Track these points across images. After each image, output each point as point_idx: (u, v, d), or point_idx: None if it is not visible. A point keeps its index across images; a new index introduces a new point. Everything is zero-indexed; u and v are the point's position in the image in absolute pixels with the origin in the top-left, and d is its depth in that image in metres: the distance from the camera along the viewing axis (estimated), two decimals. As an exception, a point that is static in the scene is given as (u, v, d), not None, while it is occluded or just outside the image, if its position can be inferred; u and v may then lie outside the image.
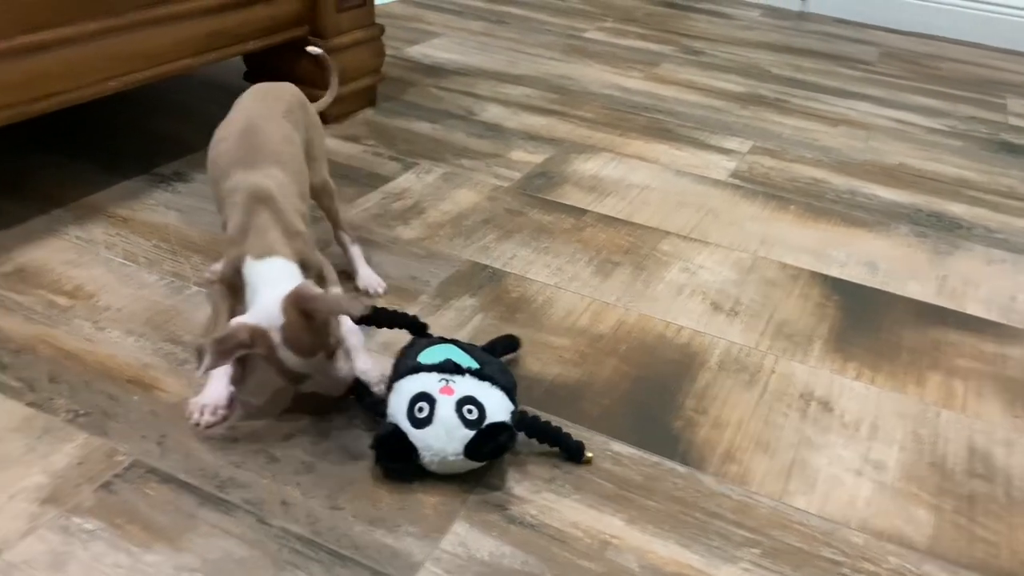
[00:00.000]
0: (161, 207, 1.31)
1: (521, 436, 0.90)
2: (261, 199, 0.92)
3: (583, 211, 1.43)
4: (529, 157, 1.62)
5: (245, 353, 0.85)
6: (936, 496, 0.90)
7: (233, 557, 0.76)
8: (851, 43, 2.66)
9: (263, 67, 1.66)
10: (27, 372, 0.94)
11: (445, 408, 0.83)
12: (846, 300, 1.24)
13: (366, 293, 1.14)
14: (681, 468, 0.91)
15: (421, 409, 0.84)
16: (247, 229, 0.91)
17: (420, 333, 0.99)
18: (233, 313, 0.93)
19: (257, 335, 0.83)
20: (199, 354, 0.82)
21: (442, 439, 0.83)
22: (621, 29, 2.58)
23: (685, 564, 0.80)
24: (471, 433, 0.83)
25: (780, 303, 1.22)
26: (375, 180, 1.47)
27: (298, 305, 0.83)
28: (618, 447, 0.93)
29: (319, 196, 1.12)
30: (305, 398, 0.95)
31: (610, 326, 1.13)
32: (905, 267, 1.35)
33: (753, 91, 2.12)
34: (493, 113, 1.82)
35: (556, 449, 0.90)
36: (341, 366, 0.88)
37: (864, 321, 1.20)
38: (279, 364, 0.85)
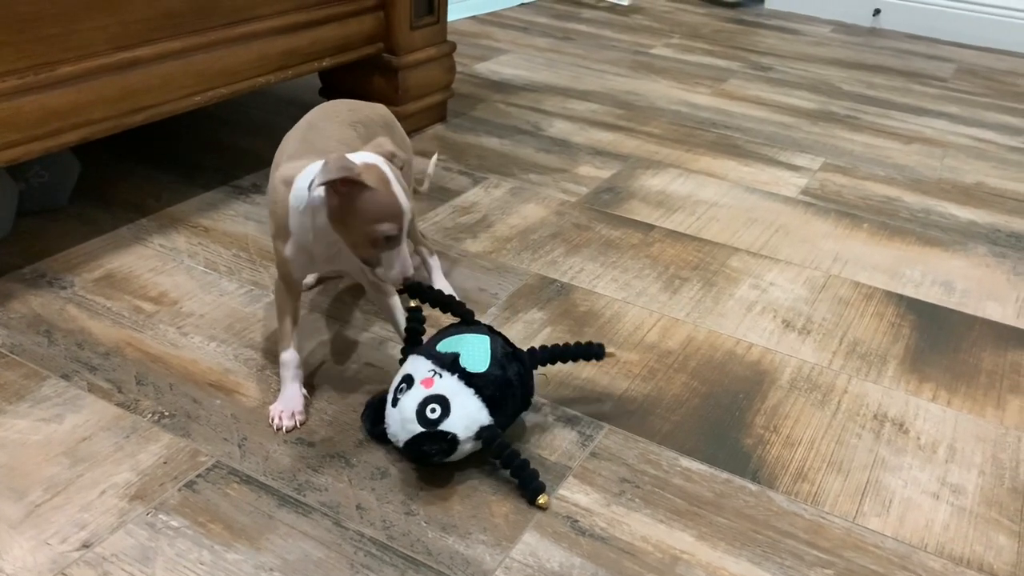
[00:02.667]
0: (240, 218, 1.35)
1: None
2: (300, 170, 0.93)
3: (651, 226, 1.43)
4: (596, 172, 1.63)
5: (347, 183, 0.83)
6: (1018, 523, 0.88)
7: (311, 558, 0.78)
8: (925, 59, 2.61)
9: (337, 83, 1.70)
10: (115, 374, 0.98)
11: (411, 398, 0.85)
12: (921, 320, 1.22)
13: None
14: (752, 486, 0.90)
15: (401, 389, 0.87)
16: (289, 185, 0.90)
17: (466, 320, 0.96)
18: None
19: (368, 169, 0.84)
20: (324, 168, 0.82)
21: (396, 424, 0.86)
22: (688, 45, 2.58)
23: (757, 582, 0.79)
24: (418, 430, 0.84)
25: (853, 322, 1.20)
26: (445, 194, 1.50)
27: (383, 153, 0.89)
28: (688, 463, 0.92)
29: None
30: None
31: (679, 342, 1.13)
32: (983, 287, 1.32)
33: (823, 107, 2.09)
34: (560, 128, 1.84)
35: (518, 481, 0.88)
36: (406, 248, 0.87)
37: (940, 342, 1.17)
38: (389, 207, 0.84)
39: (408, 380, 0.87)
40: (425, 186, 1.23)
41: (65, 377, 0.97)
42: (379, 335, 1.10)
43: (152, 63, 1.18)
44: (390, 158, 0.89)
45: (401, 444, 0.86)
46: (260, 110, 1.79)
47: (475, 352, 0.89)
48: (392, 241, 0.86)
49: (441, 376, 0.86)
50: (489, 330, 0.93)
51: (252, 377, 1.00)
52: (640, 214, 1.47)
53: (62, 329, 1.05)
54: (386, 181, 0.84)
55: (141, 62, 1.17)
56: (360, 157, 0.86)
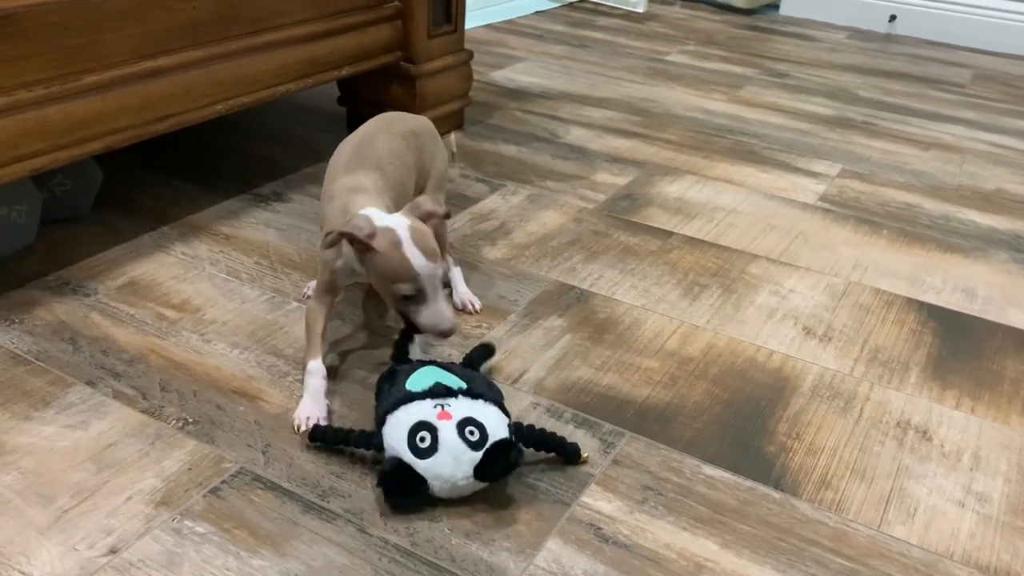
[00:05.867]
0: (261, 225, 1.36)
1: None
2: (357, 190, 0.98)
3: (669, 233, 1.43)
4: (613, 179, 1.63)
5: (358, 250, 0.91)
6: (1045, 531, 0.87)
7: (335, 564, 0.78)
8: (942, 65, 2.60)
9: (355, 92, 1.71)
10: (140, 381, 0.99)
11: (448, 433, 0.83)
12: (943, 327, 1.21)
13: (463, 309, 1.17)
14: (775, 493, 0.90)
15: (423, 439, 0.82)
16: (346, 209, 0.96)
17: (400, 358, 0.97)
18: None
19: (383, 232, 0.89)
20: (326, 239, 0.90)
21: (450, 465, 0.82)
22: (703, 52, 2.58)
23: (782, 590, 0.79)
24: (478, 455, 0.82)
25: (874, 329, 1.20)
26: (463, 201, 1.50)
27: (420, 213, 0.93)
28: (710, 471, 0.92)
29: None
30: (400, 412, 0.97)
31: (700, 349, 1.13)
32: (1005, 294, 1.31)
33: (840, 114, 2.09)
34: (577, 136, 1.84)
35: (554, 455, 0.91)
36: (443, 304, 0.91)
37: (963, 349, 1.16)
38: (400, 268, 0.89)
39: (425, 426, 0.83)
40: (455, 170, 1.27)
41: (90, 384, 0.98)
42: (400, 342, 1.10)
43: (175, 72, 1.19)
44: (426, 218, 0.94)
45: (463, 481, 0.83)
46: (279, 118, 1.80)
47: (443, 377, 0.89)
48: (414, 299, 0.90)
49: (450, 404, 0.86)
50: (421, 362, 0.94)
51: (275, 384, 1.01)
52: (658, 221, 1.47)
53: (86, 336, 1.06)
54: (397, 244, 0.89)
55: (164, 71, 1.18)
56: (384, 219, 0.91)
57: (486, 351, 1.03)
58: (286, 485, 0.86)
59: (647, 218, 1.48)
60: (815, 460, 0.95)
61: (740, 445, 0.96)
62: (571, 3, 3.09)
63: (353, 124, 1.76)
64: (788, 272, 1.33)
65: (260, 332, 1.10)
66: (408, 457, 0.82)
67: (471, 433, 0.83)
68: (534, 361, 1.08)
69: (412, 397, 0.86)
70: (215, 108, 1.27)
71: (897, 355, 1.14)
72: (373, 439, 0.87)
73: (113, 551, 0.77)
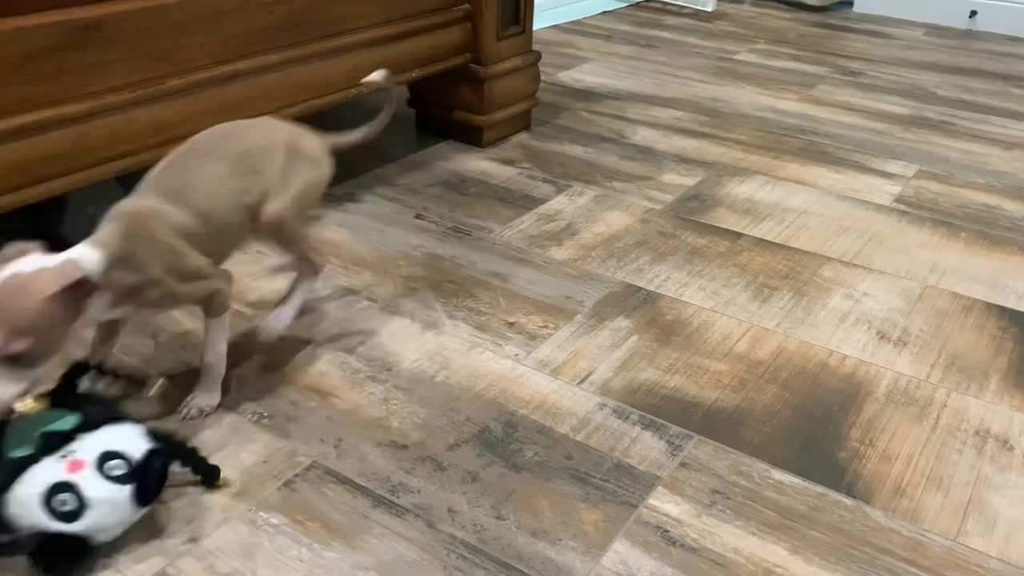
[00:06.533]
0: (334, 225, 1.39)
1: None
2: (122, 215, 0.84)
3: (738, 234, 1.42)
4: (681, 180, 1.62)
5: None
6: None
7: (405, 559, 0.79)
8: (1025, 61, 2.51)
9: (424, 94, 1.74)
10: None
11: (91, 484, 0.74)
12: (1026, 333, 1.17)
13: (261, 329, 1.06)
14: (847, 500, 0.88)
15: (64, 502, 0.72)
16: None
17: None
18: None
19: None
20: None
21: (110, 514, 0.75)
22: (773, 51, 2.54)
23: (854, 599, 0.77)
24: (131, 486, 0.75)
25: (952, 335, 1.16)
26: (529, 202, 1.51)
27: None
28: (780, 475, 0.91)
29: (268, 234, 0.98)
30: (471, 410, 0.99)
31: (769, 352, 1.11)
32: (1093, 300, 1.26)
33: (917, 113, 2.03)
34: (644, 136, 1.83)
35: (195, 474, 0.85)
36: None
37: (1047, 356, 1.13)
38: None
39: (60, 488, 0.73)
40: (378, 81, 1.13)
41: (171, 378, 1.01)
42: (473, 341, 1.12)
43: (251, 76, 1.23)
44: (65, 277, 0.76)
45: (130, 518, 0.77)
46: (350, 121, 1.83)
47: (51, 418, 0.79)
48: None
49: (75, 450, 0.76)
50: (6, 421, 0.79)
51: (346, 381, 1.03)
52: (727, 222, 1.46)
53: (168, 331, 1.10)
54: (25, 277, 0.74)
55: (241, 75, 1.21)
56: (42, 262, 0.76)
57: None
58: (357, 479, 0.88)
59: (716, 219, 1.47)
60: (889, 467, 0.93)
61: (811, 450, 0.95)
62: (638, 3, 3.08)
63: (422, 126, 1.79)
64: (862, 275, 1.30)
65: (332, 330, 1.12)
66: (56, 526, 0.73)
67: (115, 468, 0.75)
68: (600, 362, 1.08)
69: (24, 464, 0.74)
70: (290, 111, 1.30)
71: (976, 362, 1.11)
72: None
73: (193, 539, 0.80)
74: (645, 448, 0.94)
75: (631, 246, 1.37)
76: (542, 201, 1.51)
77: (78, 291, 0.76)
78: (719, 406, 1.01)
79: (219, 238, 0.92)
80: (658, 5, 3.07)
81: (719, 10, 3.03)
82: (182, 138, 1.16)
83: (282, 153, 0.98)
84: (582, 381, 1.05)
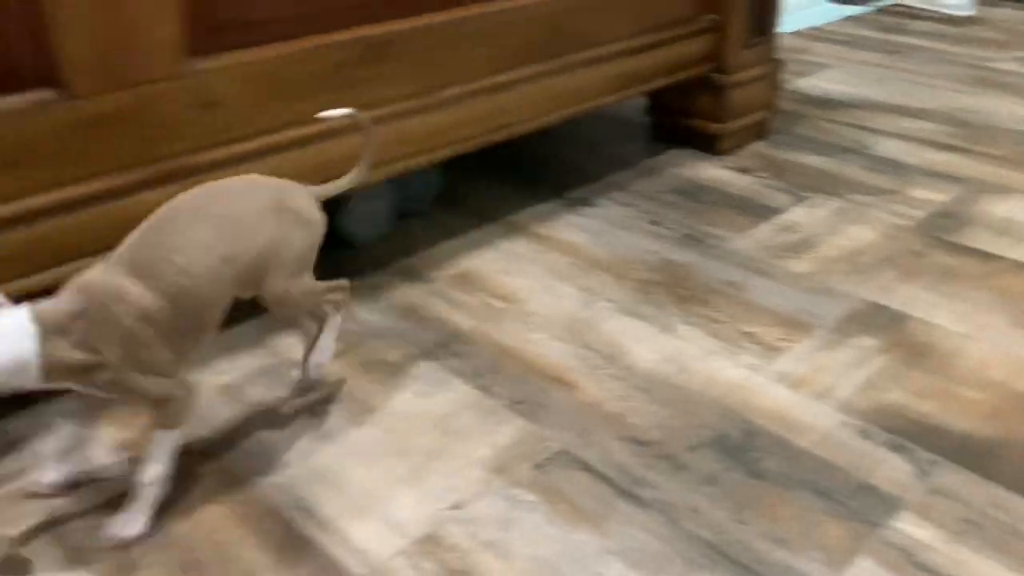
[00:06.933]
0: (573, 228, 1.46)
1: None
2: (83, 287, 0.78)
3: (996, 256, 1.34)
4: (931, 195, 1.55)
5: None
6: None
7: (648, 550, 0.84)
8: None
9: (662, 102, 1.77)
10: (474, 360, 1.12)
11: None
12: None
13: (301, 378, 1.03)
14: (1121, 548, 0.83)
15: None
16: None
17: None
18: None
19: None
20: None
21: None
22: (1039, 58, 2.34)
23: None
24: None
25: None
26: (765, 212, 1.50)
27: None
28: (1041, 513, 0.87)
29: (274, 309, 0.93)
30: (709, 415, 1.02)
31: (1031, 383, 1.06)
32: None
33: None
34: (889, 147, 1.76)
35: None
36: None
37: None
38: None
39: None
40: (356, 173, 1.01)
41: (434, 359, 1.12)
42: (709, 348, 1.14)
43: (516, 86, 1.32)
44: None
45: None
46: (588, 128, 1.91)
47: None
48: None
49: None
50: None
51: (590, 376, 1.09)
52: (983, 243, 1.38)
53: (429, 318, 1.21)
54: None
55: (507, 86, 1.31)
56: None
57: None
58: (602, 469, 0.94)
59: (970, 239, 1.39)
60: None
61: (1078, 491, 0.89)
62: (883, 8, 2.93)
63: (657, 135, 1.82)
64: None
65: (575, 326, 1.19)
66: None
67: None
68: (843, 379, 1.07)
69: None
70: (546, 119, 1.39)
71: None
72: None
73: (456, 506, 0.89)
74: (891, 470, 0.93)
75: (876, 263, 1.33)
76: (779, 211, 1.51)
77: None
78: (973, 435, 0.98)
79: (195, 314, 0.83)
80: (904, 9, 2.91)
81: (978, 15, 2.83)
82: (450, 143, 1.28)
83: (271, 216, 0.88)
84: (823, 397, 1.05)
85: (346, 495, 0.91)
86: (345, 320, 1.19)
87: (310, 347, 1.01)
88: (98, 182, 0.94)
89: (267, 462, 0.95)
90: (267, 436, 0.98)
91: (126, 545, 0.83)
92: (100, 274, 0.79)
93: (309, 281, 0.94)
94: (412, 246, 1.40)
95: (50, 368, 0.74)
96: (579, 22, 1.39)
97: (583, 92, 1.44)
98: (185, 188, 0.96)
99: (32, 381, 0.73)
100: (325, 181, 1.16)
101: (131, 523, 0.84)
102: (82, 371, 0.75)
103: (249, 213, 0.87)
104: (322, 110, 1.11)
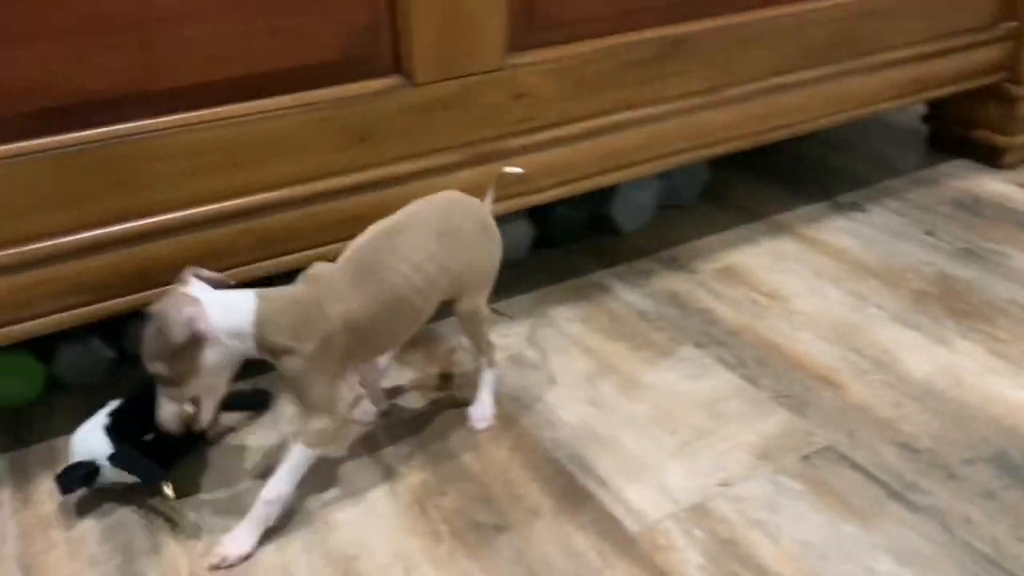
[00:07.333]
0: (840, 232, 1.45)
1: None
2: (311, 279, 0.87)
3: None
4: None
5: None
6: None
7: (921, 552, 0.85)
8: None
9: (943, 110, 1.70)
10: (738, 352, 1.16)
11: None
12: None
13: (472, 422, 1.03)
14: None
15: None
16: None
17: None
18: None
19: (179, 294, 0.84)
20: None
21: None
22: None
23: None
24: None
25: None
26: (1057, 232, 1.41)
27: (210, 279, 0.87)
28: None
29: (462, 321, 0.97)
30: (987, 432, 0.99)
31: None
32: None
33: None
34: None
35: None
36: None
37: None
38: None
39: None
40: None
41: (699, 346, 1.17)
42: (989, 366, 1.11)
43: (795, 88, 1.34)
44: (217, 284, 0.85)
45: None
46: (857, 131, 1.86)
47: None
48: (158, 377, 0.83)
49: None
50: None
51: (859, 379, 1.09)
52: None
53: (693, 307, 1.26)
54: (167, 308, 0.80)
55: (786, 87, 1.33)
56: (192, 288, 0.84)
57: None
58: (871, 469, 0.95)
59: None
60: None
61: None
62: None
63: (935, 143, 1.75)
64: None
65: (842, 329, 1.19)
66: None
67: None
68: None
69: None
70: (819, 122, 1.39)
71: None
72: None
73: (724, 484, 0.94)
74: None
75: None
76: (1075, 233, 1.41)
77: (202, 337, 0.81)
78: None
79: (400, 319, 0.89)
80: None
81: None
82: (724, 141, 1.32)
83: (480, 233, 0.94)
84: (1121, 428, 0.99)
85: (619, 458, 0.98)
86: (611, 301, 1.27)
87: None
88: (424, 160, 1.08)
89: (545, 419, 1.04)
90: (543, 396, 1.08)
91: (228, 564, 0.84)
92: (330, 271, 0.86)
93: (487, 315, 0.99)
94: (677, 237, 1.46)
95: (259, 343, 0.83)
96: (870, 27, 1.37)
97: (863, 97, 1.42)
98: (492, 171, 1.08)
99: (251, 351, 0.84)
100: (610, 171, 1.25)
101: (239, 542, 0.86)
102: (281, 352, 0.83)
103: (465, 229, 0.92)
104: (617, 105, 1.21)
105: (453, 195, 0.96)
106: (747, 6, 1.26)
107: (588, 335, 1.20)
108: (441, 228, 0.90)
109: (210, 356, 0.82)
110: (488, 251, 0.96)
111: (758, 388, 1.09)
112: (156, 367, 0.82)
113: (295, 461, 0.85)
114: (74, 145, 0.87)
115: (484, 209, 0.97)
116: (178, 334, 0.78)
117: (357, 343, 0.86)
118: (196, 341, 0.80)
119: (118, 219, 0.92)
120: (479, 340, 1.00)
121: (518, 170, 1.03)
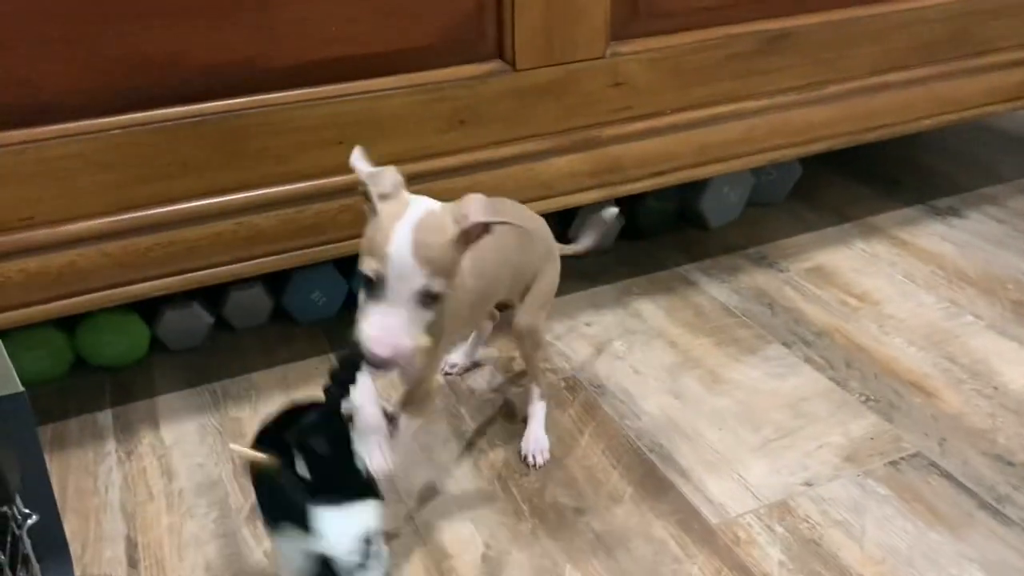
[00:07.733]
0: (936, 237, 1.41)
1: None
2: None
3: None
4: None
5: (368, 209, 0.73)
6: None
7: (1012, 565, 0.83)
8: None
9: (1054, 115, 1.64)
10: (826, 353, 1.14)
11: None
12: None
13: (524, 459, 0.98)
14: None
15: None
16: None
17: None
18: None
19: (399, 203, 0.72)
20: None
21: None
22: None
23: None
24: None
25: None
26: None
27: (460, 217, 0.72)
28: None
29: (519, 338, 0.95)
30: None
31: None
32: None
33: None
34: None
35: None
36: (393, 320, 0.70)
37: None
38: (376, 240, 0.70)
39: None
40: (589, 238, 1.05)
41: (785, 345, 1.16)
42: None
43: (899, 88, 1.30)
44: (468, 228, 0.71)
45: None
46: (957, 134, 1.81)
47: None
48: (371, 291, 0.70)
49: None
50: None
51: (951, 387, 1.07)
52: None
53: (781, 305, 1.25)
54: (394, 217, 0.69)
55: (890, 86, 1.30)
56: (423, 201, 0.72)
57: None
58: (961, 479, 0.93)
59: None
60: None
61: None
62: None
63: (1042, 149, 1.69)
64: None
65: (936, 336, 1.17)
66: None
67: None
68: None
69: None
70: (923, 123, 1.36)
71: None
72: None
73: (808, 484, 0.93)
74: None
75: None
76: None
77: (468, 240, 0.73)
78: None
79: (474, 314, 0.88)
80: None
81: None
82: (823, 138, 1.29)
83: (546, 248, 0.96)
84: None
85: (700, 451, 0.98)
86: (696, 295, 1.27)
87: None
88: (520, 145, 1.09)
89: (627, 408, 1.05)
90: (626, 385, 1.09)
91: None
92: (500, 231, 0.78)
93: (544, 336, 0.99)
94: (765, 234, 1.44)
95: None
96: (983, 26, 1.33)
97: (971, 99, 1.38)
98: (589, 158, 1.09)
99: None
100: (703, 164, 1.24)
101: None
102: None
103: (540, 238, 0.94)
104: (715, 97, 1.20)
105: (522, 206, 0.96)
106: (855, 1, 1.23)
107: (672, 328, 1.20)
108: (528, 230, 0.89)
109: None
110: (551, 266, 0.96)
111: (846, 390, 1.07)
112: (418, 279, 0.69)
113: (408, 429, 0.83)
114: (196, 116, 0.91)
115: (548, 229, 0.98)
116: (453, 244, 0.70)
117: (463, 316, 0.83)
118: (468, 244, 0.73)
119: (232, 190, 0.96)
120: (533, 364, 0.98)
121: (614, 211, 1.05)
